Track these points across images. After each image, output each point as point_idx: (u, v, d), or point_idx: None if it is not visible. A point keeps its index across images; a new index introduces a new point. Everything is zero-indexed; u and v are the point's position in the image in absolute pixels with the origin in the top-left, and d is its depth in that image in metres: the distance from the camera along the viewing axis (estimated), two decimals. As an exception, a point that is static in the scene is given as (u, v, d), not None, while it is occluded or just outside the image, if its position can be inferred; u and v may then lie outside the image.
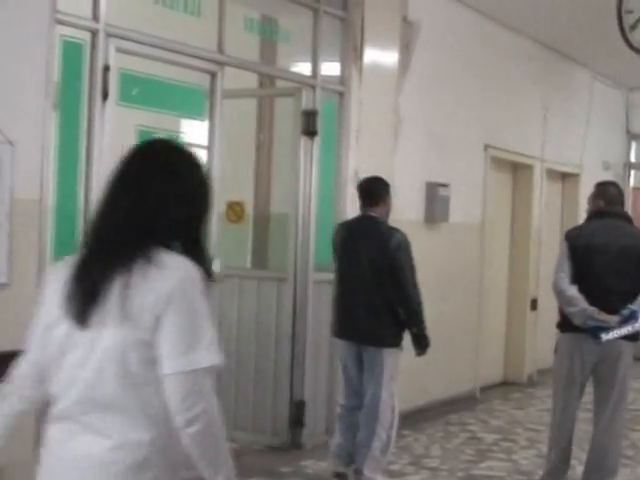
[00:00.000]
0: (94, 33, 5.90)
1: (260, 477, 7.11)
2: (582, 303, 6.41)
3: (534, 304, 11.98)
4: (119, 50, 6.06)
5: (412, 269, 6.68)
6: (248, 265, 8.62)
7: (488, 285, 11.01)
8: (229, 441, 2.75)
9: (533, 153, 11.90)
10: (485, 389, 11.03)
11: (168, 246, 2.71)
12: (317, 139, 7.88)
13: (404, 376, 6.94)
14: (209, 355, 2.62)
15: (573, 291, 6.47)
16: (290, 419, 7.84)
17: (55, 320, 2.74)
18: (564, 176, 13.30)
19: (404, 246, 6.67)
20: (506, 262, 11.99)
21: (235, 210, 8.52)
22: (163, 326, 2.60)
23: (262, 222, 8.64)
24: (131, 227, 2.70)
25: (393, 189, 7.10)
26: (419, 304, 6.68)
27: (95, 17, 5.90)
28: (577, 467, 7.03)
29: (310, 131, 7.84)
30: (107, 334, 2.62)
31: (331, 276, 7.80)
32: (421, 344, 6.73)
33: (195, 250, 2.79)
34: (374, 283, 6.65)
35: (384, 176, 7.25)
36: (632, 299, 6.44)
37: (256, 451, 7.81)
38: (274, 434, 7.90)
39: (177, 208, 2.75)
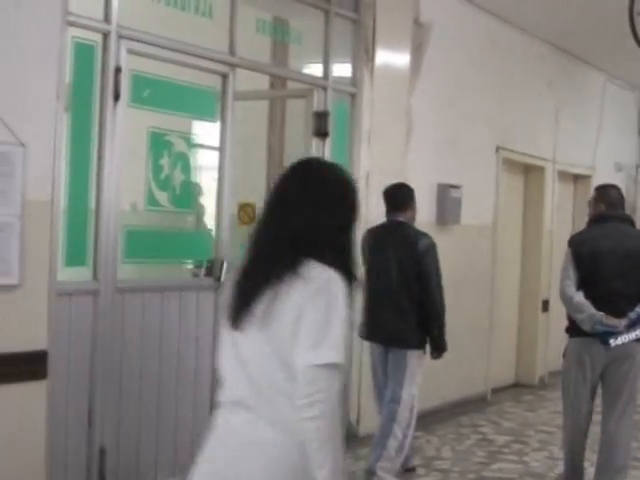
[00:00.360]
0: (106, 35, 5.92)
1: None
2: (589, 309, 6.43)
3: (545, 305, 11.96)
4: (130, 52, 6.08)
5: (438, 273, 6.84)
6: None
7: (500, 287, 11.00)
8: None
9: (545, 155, 11.88)
10: (496, 391, 11.00)
11: (318, 256, 2.99)
12: (328, 140, 7.88)
13: (415, 378, 6.95)
14: (332, 354, 2.88)
15: (580, 297, 6.49)
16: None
17: (225, 320, 3.12)
18: (576, 178, 13.28)
19: (431, 250, 6.84)
20: (518, 264, 11.97)
21: (247, 212, 8.52)
22: (299, 326, 2.91)
23: (274, 224, 8.61)
24: (283, 243, 3.02)
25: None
26: (442, 307, 6.85)
27: (107, 19, 5.92)
28: (589, 469, 7.01)
29: (321, 132, 7.83)
30: (260, 335, 2.97)
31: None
32: (439, 347, 6.88)
33: (342, 258, 3.06)
34: (402, 286, 6.78)
35: (396, 177, 7.26)
36: (638, 302, 6.46)
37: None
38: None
39: (324, 223, 3.05)
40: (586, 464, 6.92)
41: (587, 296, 6.46)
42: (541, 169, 11.93)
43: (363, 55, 8.24)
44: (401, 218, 6.95)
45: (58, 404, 5.66)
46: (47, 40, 5.47)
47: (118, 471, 6.12)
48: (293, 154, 8.38)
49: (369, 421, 7.77)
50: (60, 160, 5.60)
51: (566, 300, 6.62)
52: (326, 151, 7.86)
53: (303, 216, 3.03)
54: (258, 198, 8.53)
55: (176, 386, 6.54)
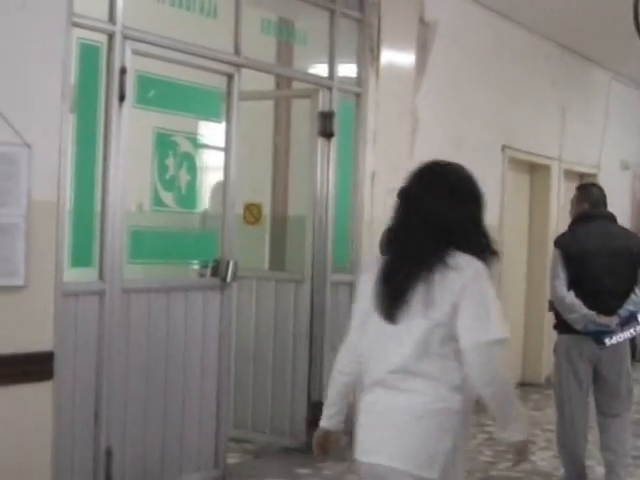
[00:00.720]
0: (111, 35, 5.91)
1: (278, 479, 7.11)
2: (581, 309, 6.51)
3: (552, 305, 11.91)
4: (136, 52, 6.07)
5: None
6: (266, 267, 8.62)
7: (505, 286, 10.97)
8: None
9: (551, 154, 11.86)
10: (503, 390, 10.98)
11: (460, 247, 3.42)
12: (334, 140, 7.87)
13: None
14: (498, 330, 3.34)
15: (571, 297, 6.58)
16: (308, 420, 7.83)
17: (369, 312, 3.55)
18: (582, 176, 13.24)
19: None
20: (524, 263, 11.95)
21: (252, 212, 8.52)
22: (460, 311, 3.33)
23: (279, 224, 8.63)
24: (428, 238, 3.43)
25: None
26: None
27: (112, 19, 5.92)
28: (596, 467, 7.00)
29: (327, 132, 7.82)
30: (413, 325, 3.38)
31: (348, 277, 7.81)
32: None
33: (480, 246, 3.50)
34: None
35: (401, 177, 7.23)
36: (627, 299, 6.50)
37: (274, 453, 7.81)
38: (292, 436, 7.89)
39: (461, 216, 3.51)
40: (592, 462, 6.93)
41: (577, 295, 6.57)
42: (547, 168, 11.92)
43: (368, 55, 8.23)
44: None
45: (64, 405, 5.66)
46: (52, 41, 5.48)
47: (124, 472, 6.12)
48: (299, 154, 8.39)
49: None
50: (65, 161, 5.60)
51: (558, 300, 6.71)
52: (332, 151, 7.85)
53: (442, 212, 3.45)
54: (264, 198, 8.58)
55: (182, 386, 6.54)
